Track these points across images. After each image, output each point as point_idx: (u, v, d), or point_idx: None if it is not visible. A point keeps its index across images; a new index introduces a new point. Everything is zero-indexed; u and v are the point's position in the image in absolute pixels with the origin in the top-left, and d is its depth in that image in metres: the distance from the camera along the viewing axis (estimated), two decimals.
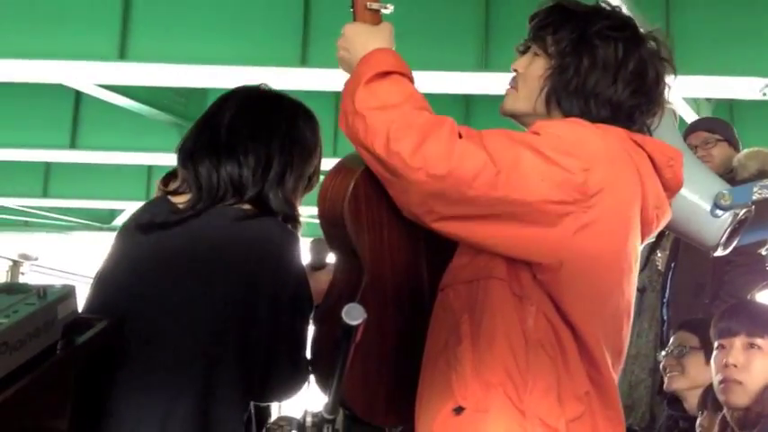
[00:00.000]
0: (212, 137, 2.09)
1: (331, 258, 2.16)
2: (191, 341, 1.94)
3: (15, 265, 12.16)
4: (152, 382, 1.92)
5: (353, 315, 1.61)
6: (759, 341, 2.53)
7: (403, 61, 1.90)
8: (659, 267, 4.23)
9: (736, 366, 2.56)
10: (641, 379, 4.19)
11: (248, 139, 2.08)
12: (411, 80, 1.89)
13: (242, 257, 1.98)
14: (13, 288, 1.80)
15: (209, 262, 1.99)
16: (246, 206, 2.06)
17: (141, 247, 2.06)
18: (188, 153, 2.11)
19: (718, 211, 2.30)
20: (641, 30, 1.94)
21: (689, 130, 3.98)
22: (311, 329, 2.08)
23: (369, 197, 1.92)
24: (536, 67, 1.94)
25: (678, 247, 3.96)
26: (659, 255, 4.28)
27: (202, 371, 1.94)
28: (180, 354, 1.94)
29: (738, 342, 2.58)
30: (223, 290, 1.96)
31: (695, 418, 3.07)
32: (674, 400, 3.55)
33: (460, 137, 1.78)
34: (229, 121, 2.10)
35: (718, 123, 4.03)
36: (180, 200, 2.10)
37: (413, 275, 2.00)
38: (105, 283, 2.07)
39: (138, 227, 2.07)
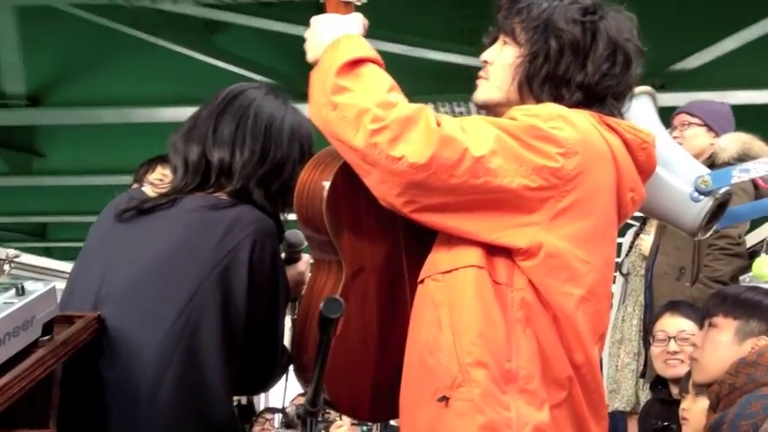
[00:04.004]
0: (215, 124, 2.09)
1: (305, 248, 2.15)
2: (167, 334, 1.91)
3: None
4: (132, 379, 1.90)
5: (332, 308, 1.61)
6: (714, 319, 2.61)
7: (372, 49, 1.87)
8: (643, 252, 4.24)
9: (696, 346, 2.66)
10: (626, 363, 4.21)
11: (249, 133, 2.08)
12: (382, 67, 1.86)
13: (216, 246, 1.96)
14: None
15: (181, 254, 1.97)
16: (224, 196, 2.04)
17: (115, 237, 2.04)
18: (185, 136, 2.10)
19: (699, 195, 2.29)
20: (609, 13, 1.93)
21: (675, 113, 3.97)
22: (292, 324, 2.08)
23: (347, 192, 1.90)
24: (506, 56, 1.94)
25: (662, 231, 3.97)
26: (644, 238, 4.30)
27: (183, 365, 1.91)
28: (156, 348, 1.91)
29: (705, 325, 2.67)
30: (197, 281, 1.94)
31: (680, 402, 3.08)
32: (658, 384, 3.57)
33: (438, 125, 1.77)
34: (234, 113, 2.09)
35: (703, 108, 4.01)
36: (158, 191, 2.09)
37: (392, 267, 1.99)
38: (79, 278, 2.06)
39: (116, 215, 2.06)
